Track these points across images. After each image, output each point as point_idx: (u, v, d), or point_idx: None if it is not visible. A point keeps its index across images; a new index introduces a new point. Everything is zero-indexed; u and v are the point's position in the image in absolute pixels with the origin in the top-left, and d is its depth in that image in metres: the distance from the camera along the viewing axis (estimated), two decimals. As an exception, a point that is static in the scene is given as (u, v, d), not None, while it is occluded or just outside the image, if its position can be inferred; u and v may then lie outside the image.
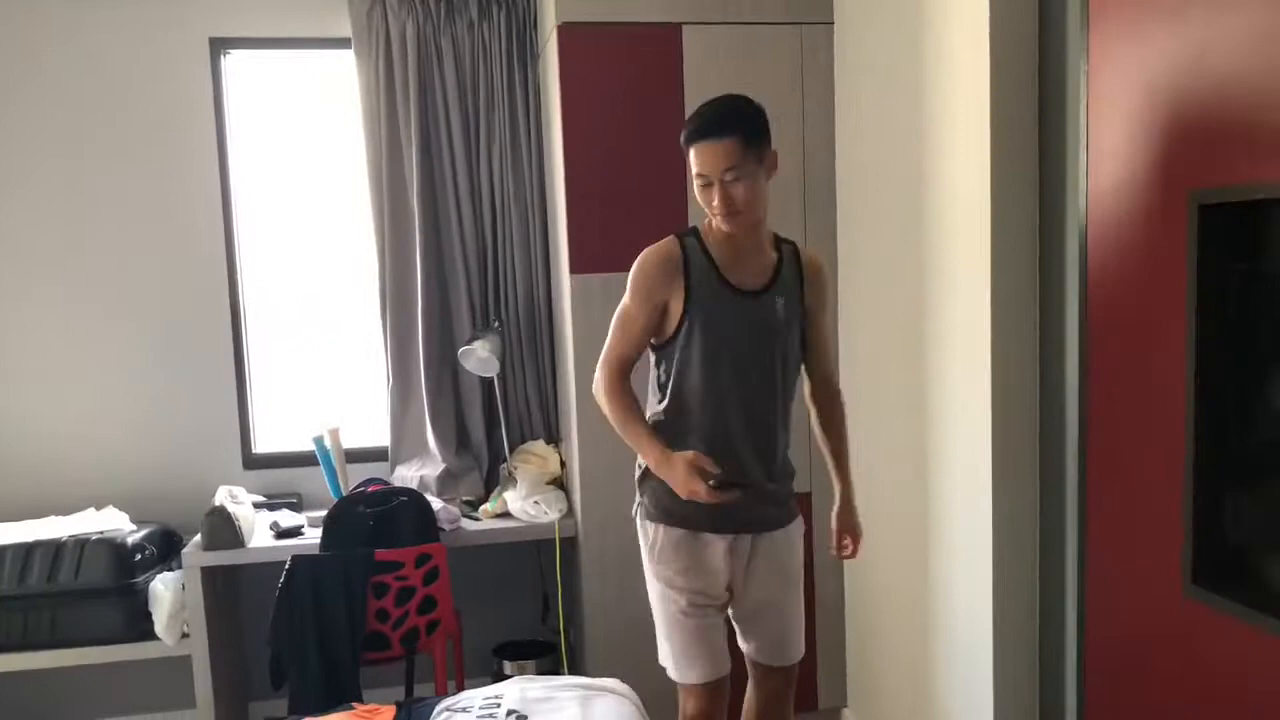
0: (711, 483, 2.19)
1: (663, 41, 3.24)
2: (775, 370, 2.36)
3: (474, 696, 2.50)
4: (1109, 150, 2.08)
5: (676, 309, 2.32)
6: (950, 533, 2.70)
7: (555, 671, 3.58)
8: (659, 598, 2.47)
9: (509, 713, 2.38)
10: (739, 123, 2.20)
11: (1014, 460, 2.47)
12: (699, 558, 2.40)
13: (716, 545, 2.39)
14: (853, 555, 2.54)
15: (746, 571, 2.42)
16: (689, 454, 2.24)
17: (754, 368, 2.34)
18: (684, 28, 3.24)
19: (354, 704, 2.58)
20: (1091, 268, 2.15)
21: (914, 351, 2.83)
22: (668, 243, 2.38)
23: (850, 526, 2.53)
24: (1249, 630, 1.74)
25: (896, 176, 2.92)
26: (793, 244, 2.45)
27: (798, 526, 2.50)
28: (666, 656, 2.49)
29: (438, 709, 2.45)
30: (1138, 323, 2.01)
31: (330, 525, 3.12)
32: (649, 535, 2.46)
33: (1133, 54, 1.99)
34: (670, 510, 2.39)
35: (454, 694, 2.60)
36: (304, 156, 3.81)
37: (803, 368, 2.49)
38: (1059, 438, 2.42)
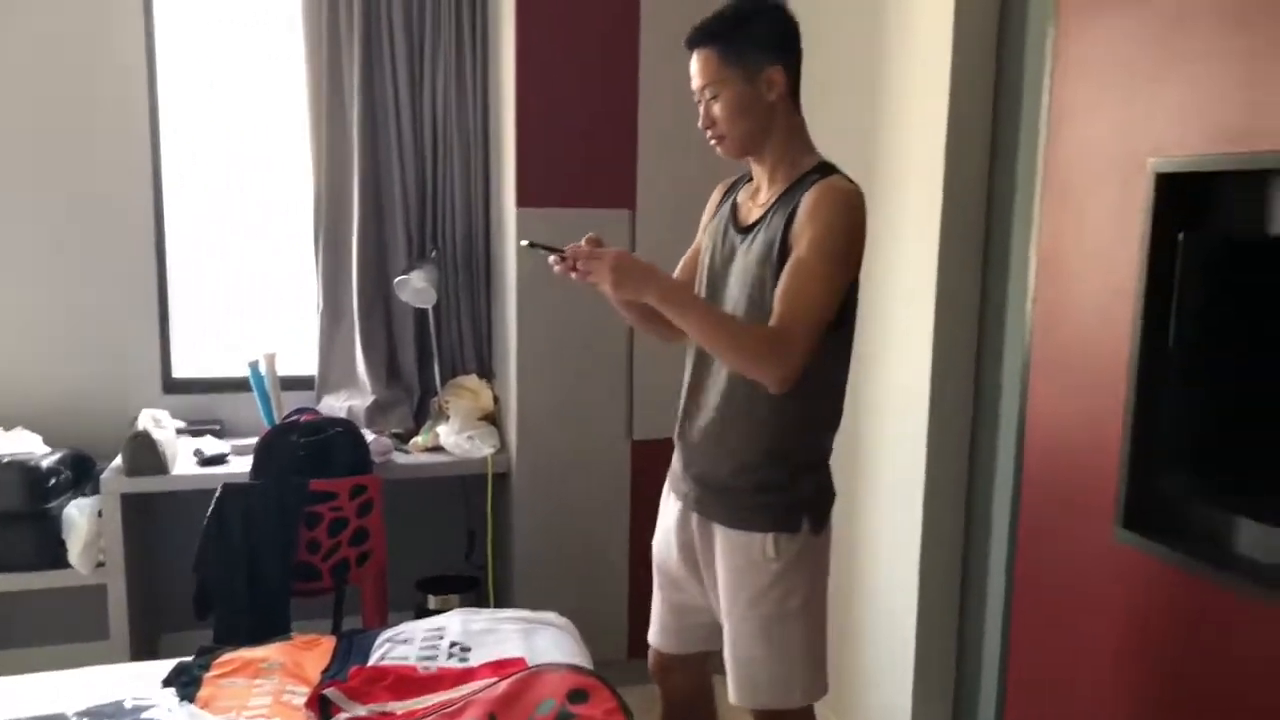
0: None
1: (620, -25, 3.21)
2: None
3: (416, 628, 2.51)
4: (1070, 116, 2.15)
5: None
6: (881, 467, 2.80)
7: (480, 606, 3.61)
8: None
9: (452, 644, 2.40)
10: (719, 32, 1.91)
11: (950, 402, 2.58)
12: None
13: (669, 507, 2.17)
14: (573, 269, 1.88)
15: (706, 567, 2.08)
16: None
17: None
18: (642, -36, 3.21)
19: (290, 635, 2.56)
20: (1045, 226, 2.24)
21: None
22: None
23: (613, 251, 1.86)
24: (1175, 573, 1.87)
25: (850, 133, 2.95)
26: (823, 175, 1.93)
27: (774, 544, 1.94)
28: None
29: (379, 640, 2.45)
30: (1088, 281, 2.10)
31: (262, 453, 3.06)
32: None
33: (1100, 21, 2.06)
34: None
35: (381, 627, 2.61)
36: (241, 76, 3.65)
37: None
38: (995, 382, 2.53)
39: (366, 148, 3.57)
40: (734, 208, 2.05)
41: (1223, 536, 1.86)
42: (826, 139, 3.08)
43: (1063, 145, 2.17)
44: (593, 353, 3.31)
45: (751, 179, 2.06)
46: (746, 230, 1.98)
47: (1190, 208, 1.89)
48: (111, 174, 3.49)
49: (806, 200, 1.86)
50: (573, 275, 1.87)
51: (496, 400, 3.66)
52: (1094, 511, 2.07)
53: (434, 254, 3.65)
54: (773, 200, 1.95)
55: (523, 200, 3.20)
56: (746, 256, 1.95)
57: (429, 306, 3.60)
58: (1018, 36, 2.43)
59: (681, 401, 2.09)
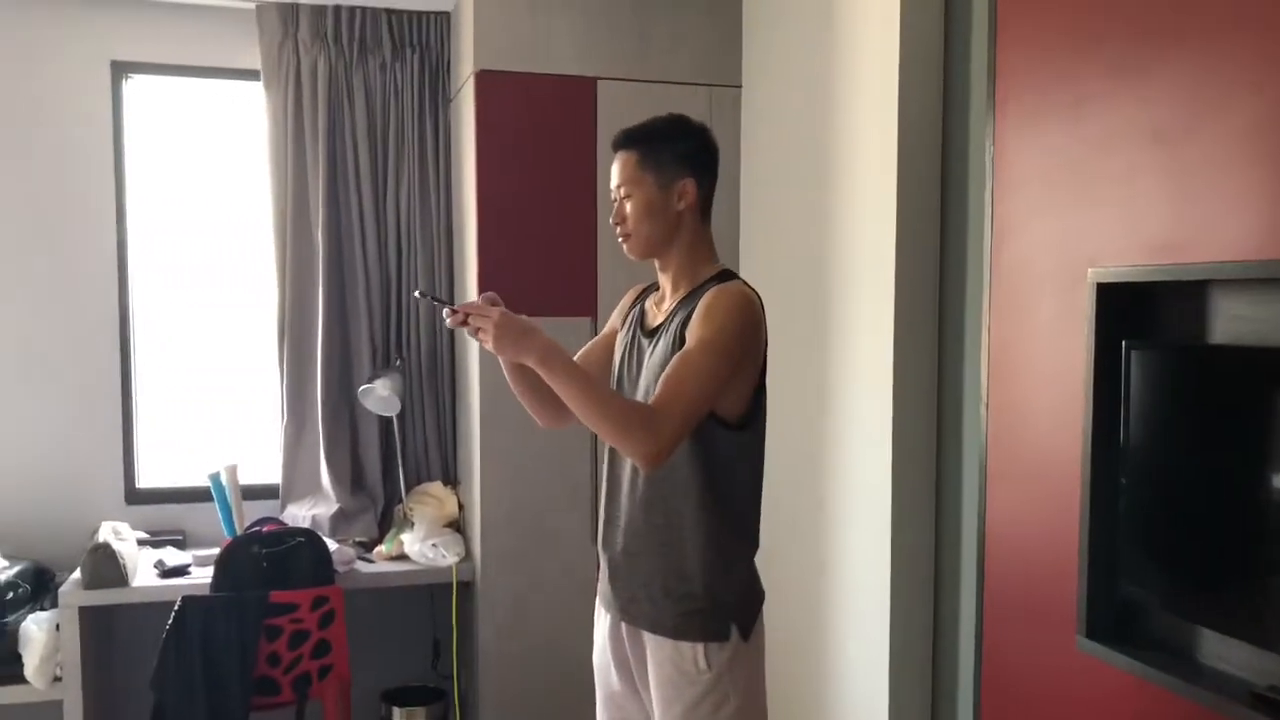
0: None
1: (578, 93, 3.32)
2: None
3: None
4: (1012, 227, 2.24)
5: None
6: (848, 579, 2.81)
7: (445, 718, 3.55)
8: None
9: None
10: (642, 138, 2.02)
11: (912, 509, 2.61)
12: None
13: (601, 620, 2.15)
14: (464, 323, 1.92)
15: (641, 678, 2.05)
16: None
17: None
18: (599, 82, 3.33)
19: (248, 752, 2.51)
20: (995, 338, 2.30)
21: (815, 421, 2.94)
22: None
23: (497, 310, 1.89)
24: (1139, 683, 1.88)
25: (799, 246, 3.05)
26: (719, 283, 2.00)
27: (704, 654, 1.93)
28: None
29: (338, 757, 2.41)
30: (1038, 388, 2.16)
31: (223, 564, 3.03)
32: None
33: (1035, 141, 2.16)
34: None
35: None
36: (206, 185, 3.73)
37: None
38: (957, 492, 2.57)
39: (331, 257, 3.63)
40: (642, 313, 2.14)
41: (1187, 645, 1.86)
42: (779, 242, 3.20)
43: (1007, 255, 2.26)
44: (557, 460, 3.33)
45: (659, 287, 2.13)
46: (651, 334, 2.06)
47: (1132, 316, 1.96)
48: (77, 283, 3.54)
49: (701, 302, 1.94)
50: (465, 329, 1.92)
51: (461, 507, 3.65)
52: (1056, 620, 2.08)
53: (398, 362, 3.69)
54: (674, 305, 2.03)
55: (488, 309, 3.25)
56: (650, 359, 2.02)
57: (394, 414, 3.62)
58: (960, 150, 2.54)
59: (600, 514, 2.11)
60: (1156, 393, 1.91)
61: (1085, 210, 2.02)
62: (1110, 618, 1.99)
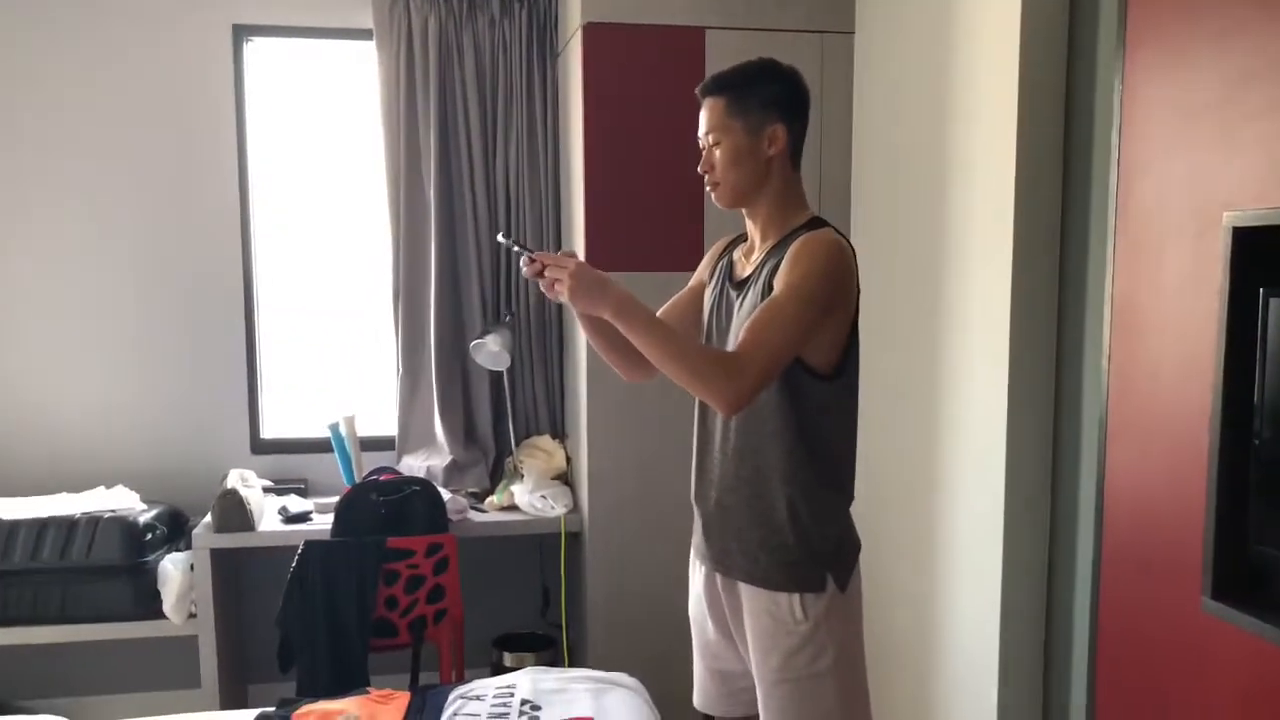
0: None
1: (686, 44, 3.28)
2: None
3: (488, 685, 2.54)
4: (1140, 169, 2.13)
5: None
6: (958, 541, 2.76)
7: (554, 664, 3.63)
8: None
9: (523, 702, 2.43)
10: (730, 83, 1.98)
11: (1028, 468, 2.53)
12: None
13: (696, 573, 2.18)
14: (540, 274, 1.91)
15: (737, 629, 2.06)
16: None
17: None
18: (707, 31, 3.28)
19: (368, 689, 2.61)
20: (1119, 288, 2.21)
21: (928, 374, 2.88)
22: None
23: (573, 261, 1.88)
24: (1268, 646, 1.80)
25: (914, 194, 2.97)
26: (809, 230, 1.96)
27: (800, 605, 1.94)
28: None
29: (452, 696, 2.49)
30: (1165, 340, 2.07)
31: (343, 511, 3.15)
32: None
33: (1169, 76, 2.05)
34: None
35: (456, 683, 2.64)
36: (322, 146, 3.83)
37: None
38: (1075, 448, 2.48)
39: (443, 214, 3.69)
40: (730, 264, 2.10)
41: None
42: (895, 198, 3.12)
43: (1134, 199, 2.15)
44: (663, 415, 3.34)
45: (747, 238, 2.10)
46: (740, 285, 2.02)
47: (1271, 262, 1.85)
48: (202, 242, 3.68)
49: (790, 250, 1.90)
50: (540, 281, 1.90)
51: (569, 460, 3.70)
52: (1180, 579, 2.00)
53: (508, 318, 3.74)
54: (763, 255, 1.99)
55: (593, 264, 3.23)
56: (740, 311, 1.99)
57: (504, 369, 3.68)
58: (1086, 90, 2.42)
59: (692, 468, 2.11)
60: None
61: (1222, 150, 1.91)
62: (1239, 578, 1.90)
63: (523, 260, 1.92)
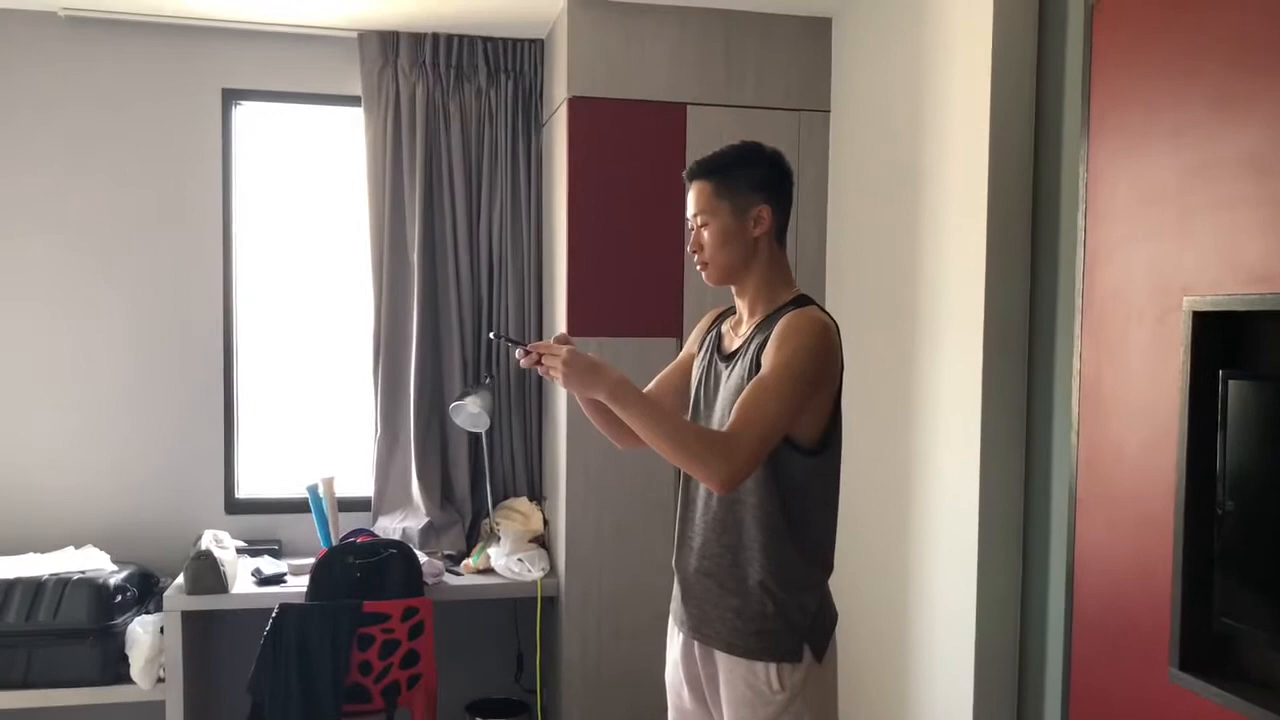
0: None
1: (668, 119, 3.39)
2: None
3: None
4: (1105, 254, 2.22)
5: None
6: (931, 613, 2.79)
7: (528, 730, 3.61)
8: None
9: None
10: (718, 167, 2.05)
11: (999, 541, 2.58)
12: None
13: (674, 639, 2.19)
14: (537, 363, 1.97)
15: (713, 698, 2.07)
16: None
17: None
18: (689, 107, 3.39)
19: (340, 756, 2.59)
20: (1086, 368, 2.28)
21: (901, 450, 2.94)
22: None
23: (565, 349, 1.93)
24: (1233, 717, 1.84)
25: (887, 272, 3.05)
26: (796, 307, 2.02)
27: (777, 675, 1.96)
28: None
29: (427, 764, 2.47)
30: (1130, 418, 2.14)
31: (319, 575, 3.13)
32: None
33: (1130, 168, 2.15)
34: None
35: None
36: (307, 206, 3.88)
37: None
38: (1045, 523, 2.54)
39: (426, 277, 3.73)
40: (719, 336, 2.16)
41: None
42: (867, 265, 3.21)
43: (1100, 282, 2.24)
44: (641, 478, 3.37)
45: (735, 310, 2.16)
46: (728, 358, 2.08)
47: (1230, 346, 1.94)
48: (184, 306, 3.70)
49: (777, 328, 1.95)
50: (538, 369, 1.97)
51: (546, 523, 3.71)
52: (1148, 651, 2.05)
53: (488, 380, 3.77)
54: (751, 330, 2.05)
55: (573, 330, 3.31)
56: (727, 383, 2.04)
57: (483, 431, 3.70)
58: (1052, 174, 2.52)
59: (675, 533, 2.14)
60: (1256, 423, 1.88)
61: (1182, 238, 2.00)
62: (1205, 650, 1.96)
63: (517, 353, 1.99)
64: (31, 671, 3.12)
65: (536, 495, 3.86)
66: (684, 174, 2.10)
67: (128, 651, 3.20)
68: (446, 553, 3.68)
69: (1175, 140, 2.02)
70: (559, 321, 3.47)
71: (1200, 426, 1.94)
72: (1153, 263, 2.08)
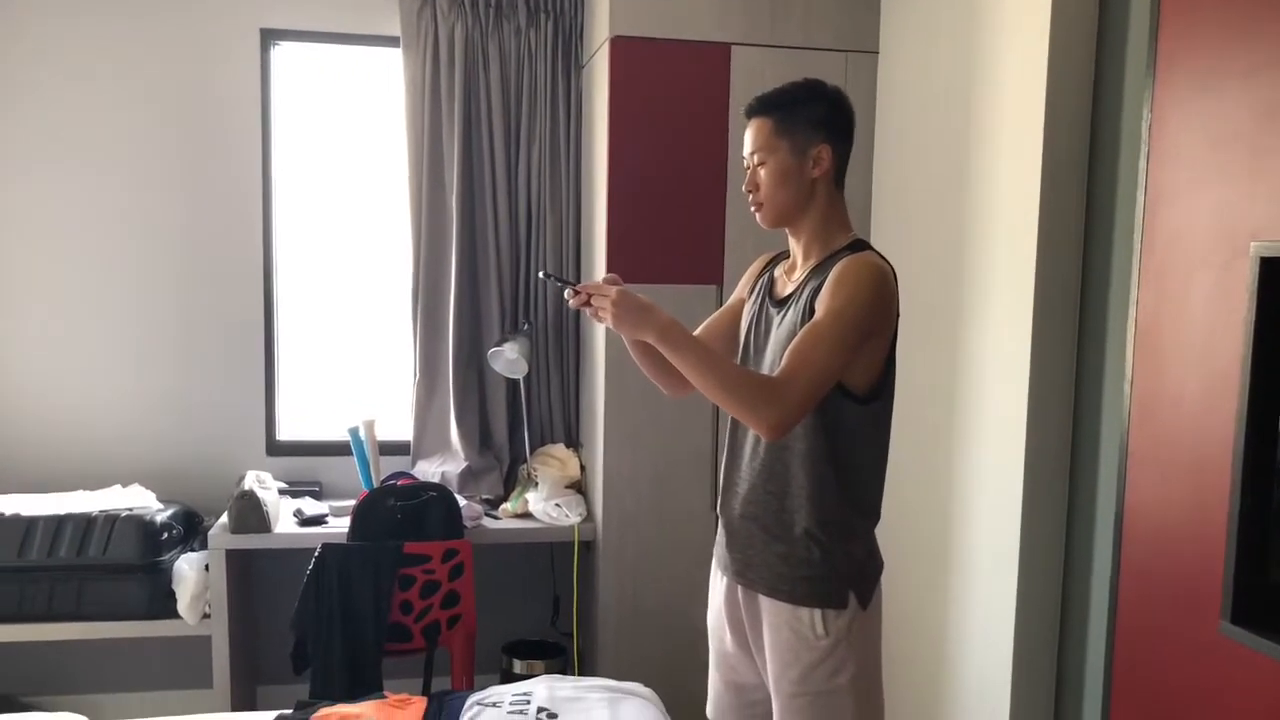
0: None
1: (712, 59, 3.31)
2: None
3: (504, 692, 2.55)
4: (1168, 198, 2.15)
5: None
6: (973, 563, 2.77)
7: (564, 672, 3.64)
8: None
9: (539, 710, 2.44)
10: (779, 104, 1.99)
11: (1045, 489, 2.55)
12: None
13: (717, 583, 2.17)
14: (586, 304, 1.94)
15: (755, 642, 2.07)
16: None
17: None
18: (733, 48, 3.32)
19: (384, 693, 2.62)
20: (1142, 314, 2.23)
21: (946, 397, 2.90)
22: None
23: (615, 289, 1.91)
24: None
25: (935, 216, 2.98)
26: (852, 252, 1.97)
27: (821, 620, 1.94)
28: None
29: (469, 702, 2.50)
30: (1188, 367, 2.09)
31: (360, 515, 3.16)
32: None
33: (1199, 108, 2.07)
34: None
35: (468, 689, 2.65)
36: (346, 149, 3.86)
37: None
38: (1092, 470, 2.50)
39: (464, 225, 3.71)
40: (771, 281, 2.12)
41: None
42: (914, 211, 3.14)
43: (1160, 228, 2.18)
44: (678, 424, 3.36)
45: (789, 255, 2.12)
46: (781, 303, 2.04)
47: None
48: (225, 249, 3.70)
49: (833, 272, 1.91)
50: (586, 310, 1.94)
51: (583, 469, 3.72)
52: (1198, 604, 2.02)
53: (526, 327, 3.76)
54: (805, 275, 2.01)
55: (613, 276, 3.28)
56: (779, 329, 2.00)
57: (520, 377, 3.70)
58: (1113, 116, 2.45)
59: (721, 477, 2.12)
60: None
61: (1251, 181, 1.93)
62: (1258, 603, 1.92)
63: (567, 293, 1.95)
64: (83, 604, 3.19)
65: (574, 441, 3.87)
66: (744, 110, 2.04)
67: (174, 587, 3.25)
68: (484, 497, 3.70)
69: (1248, 80, 1.94)
70: (598, 266, 3.44)
71: (1263, 376, 1.89)
72: (1220, 207, 2.01)
